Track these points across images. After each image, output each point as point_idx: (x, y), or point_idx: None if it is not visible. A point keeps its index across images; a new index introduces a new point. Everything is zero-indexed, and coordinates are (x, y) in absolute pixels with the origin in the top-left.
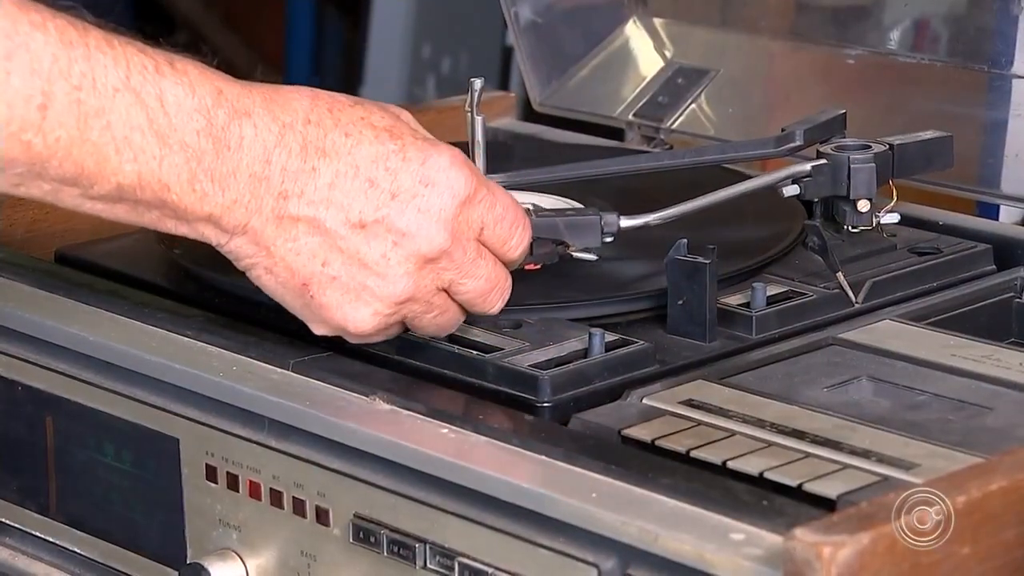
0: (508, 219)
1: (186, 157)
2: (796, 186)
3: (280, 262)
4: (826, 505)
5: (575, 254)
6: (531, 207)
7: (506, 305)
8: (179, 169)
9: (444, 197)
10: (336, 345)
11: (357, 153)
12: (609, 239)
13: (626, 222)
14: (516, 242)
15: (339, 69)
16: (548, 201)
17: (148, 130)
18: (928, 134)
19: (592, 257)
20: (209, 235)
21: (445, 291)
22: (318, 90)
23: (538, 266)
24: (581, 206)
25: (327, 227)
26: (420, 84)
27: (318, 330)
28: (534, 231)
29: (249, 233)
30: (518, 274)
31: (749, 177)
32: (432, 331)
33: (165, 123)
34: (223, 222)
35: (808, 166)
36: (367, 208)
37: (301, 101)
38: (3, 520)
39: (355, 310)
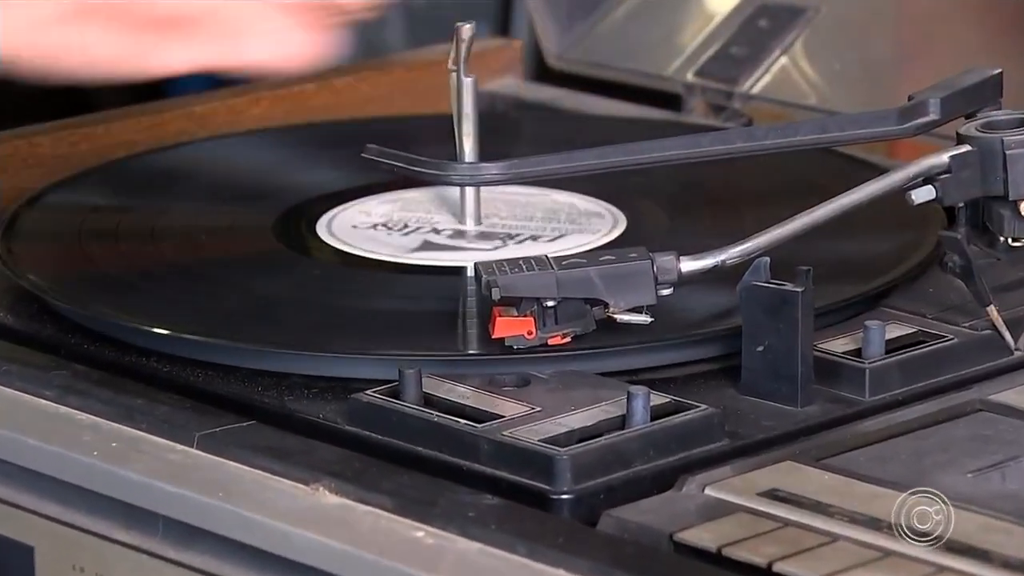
0: None
1: None
2: (930, 187)
3: None
4: None
5: (619, 317)
6: (547, 256)
7: (509, 354)
8: None
9: None
10: (260, 411)
11: None
12: (667, 291)
13: (689, 264)
14: None
15: None
16: (568, 199)
17: None
18: None
19: (645, 320)
20: None
21: None
22: None
23: (566, 339)
24: (619, 212)
25: None
26: (382, 27)
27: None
28: (559, 290)
29: None
30: None
31: (864, 166)
32: None
33: None
34: None
35: (945, 157)
36: None
37: None
38: None
39: None
